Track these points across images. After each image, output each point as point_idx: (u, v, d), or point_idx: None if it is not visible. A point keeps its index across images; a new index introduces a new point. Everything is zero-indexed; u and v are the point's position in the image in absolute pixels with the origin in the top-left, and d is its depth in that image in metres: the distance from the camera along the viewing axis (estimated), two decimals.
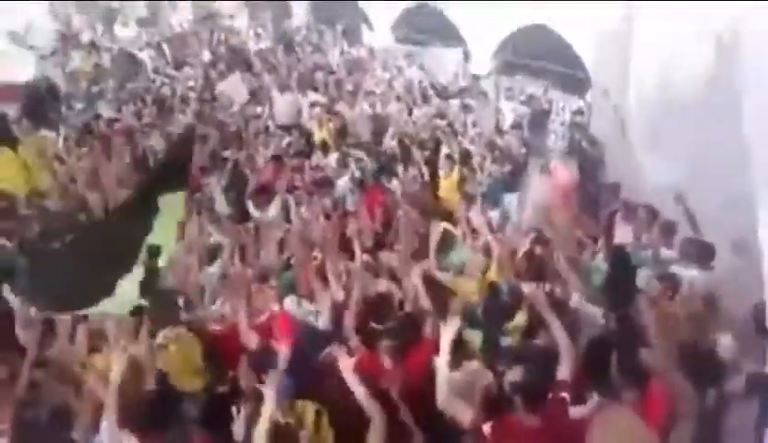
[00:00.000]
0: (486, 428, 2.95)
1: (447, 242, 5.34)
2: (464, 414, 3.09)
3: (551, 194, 6.04)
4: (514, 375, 3.00)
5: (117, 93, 10.99)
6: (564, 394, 3.02)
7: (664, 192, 5.56)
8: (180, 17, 15.37)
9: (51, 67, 11.48)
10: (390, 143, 8.55)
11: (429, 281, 4.39)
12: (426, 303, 4.04)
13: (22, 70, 10.92)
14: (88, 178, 6.89)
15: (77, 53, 12.16)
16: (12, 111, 9.59)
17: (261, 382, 3.25)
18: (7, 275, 4.56)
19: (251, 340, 3.97)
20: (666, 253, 4.98)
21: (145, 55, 12.43)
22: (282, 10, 14.27)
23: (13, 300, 4.37)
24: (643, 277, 4.50)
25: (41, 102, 9.98)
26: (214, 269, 5.57)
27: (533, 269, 4.75)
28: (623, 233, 5.61)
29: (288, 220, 6.50)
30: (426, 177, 7.69)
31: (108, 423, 3.26)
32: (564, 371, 3.13)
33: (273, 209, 6.66)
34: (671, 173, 5.54)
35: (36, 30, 13.87)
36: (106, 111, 10.02)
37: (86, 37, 13.88)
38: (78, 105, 10.79)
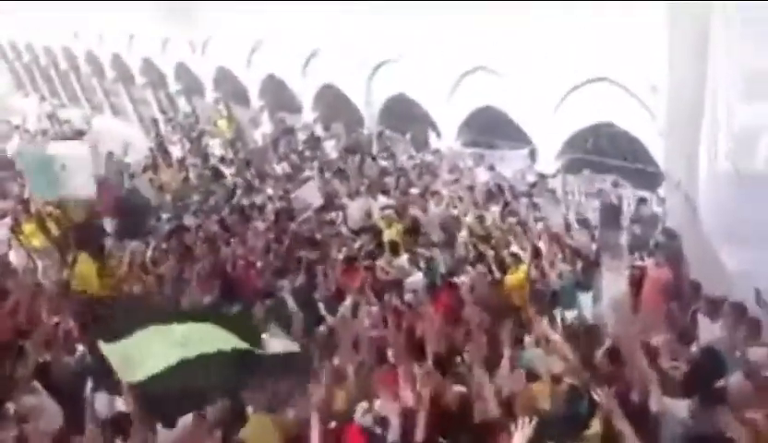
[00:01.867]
0: None
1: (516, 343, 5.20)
2: None
3: (646, 292, 5.84)
4: None
5: (202, 205, 11.56)
6: None
7: (743, 281, 5.28)
8: (262, 132, 16.50)
9: (142, 182, 12.25)
10: (460, 242, 8.60)
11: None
12: (495, 410, 3.90)
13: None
14: (173, 285, 7.28)
15: (167, 170, 13.08)
16: (109, 225, 10.44)
17: None
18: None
19: None
20: (755, 353, 4.66)
21: (228, 170, 13.23)
22: (354, 121, 14.99)
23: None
24: (734, 382, 4.22)
25: (132, 216, 10.76)
26: None
27: (609, 373, 4.53)
28: (707, 332, 5.30)
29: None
30: (497, 275, 7.63)
31: None
32: None
33: (341, 311, 6.70)
34: (748, 262, 5.28)
35: (132, 149, 15.25)
36: (191, 221, 10.52)
37: (176, 153, 15.06)
38: (165, 216, 11.33)
